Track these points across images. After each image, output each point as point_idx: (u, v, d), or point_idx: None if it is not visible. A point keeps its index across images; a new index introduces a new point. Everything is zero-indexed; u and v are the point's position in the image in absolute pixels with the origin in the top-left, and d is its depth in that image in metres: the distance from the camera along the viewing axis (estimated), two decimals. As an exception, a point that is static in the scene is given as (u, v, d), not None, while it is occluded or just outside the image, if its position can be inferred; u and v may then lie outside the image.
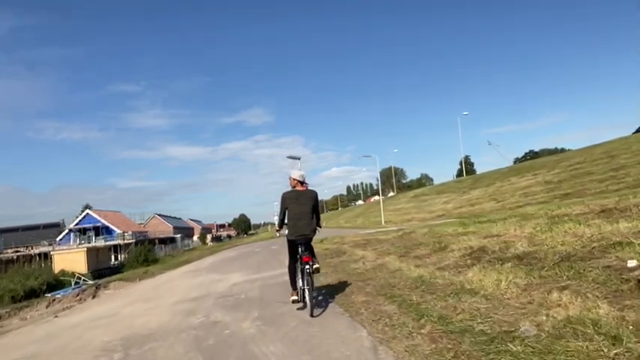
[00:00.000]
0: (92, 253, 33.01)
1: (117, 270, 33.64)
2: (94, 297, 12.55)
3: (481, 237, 7.53)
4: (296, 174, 5.01)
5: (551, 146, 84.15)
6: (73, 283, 19.62)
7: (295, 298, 5.10)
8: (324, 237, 19.22)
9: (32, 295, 20.18)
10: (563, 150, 67.38)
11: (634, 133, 33.30)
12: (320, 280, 7.07)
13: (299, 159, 18.60)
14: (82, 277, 20.94)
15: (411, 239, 10.66)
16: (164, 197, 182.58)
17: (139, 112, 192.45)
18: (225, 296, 7.01)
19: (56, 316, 8.00)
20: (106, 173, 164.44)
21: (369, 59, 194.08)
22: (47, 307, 12.15)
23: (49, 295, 15.74)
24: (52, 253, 34.34)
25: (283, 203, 4.93)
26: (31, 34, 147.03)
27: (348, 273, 7.59)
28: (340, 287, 6.23)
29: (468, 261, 5.95)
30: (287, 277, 5.46)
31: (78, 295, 12.83)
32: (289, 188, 5.04)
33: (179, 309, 6.35)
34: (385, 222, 33.86)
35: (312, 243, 5.09)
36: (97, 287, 14.14)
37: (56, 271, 27.01)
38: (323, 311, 4.75)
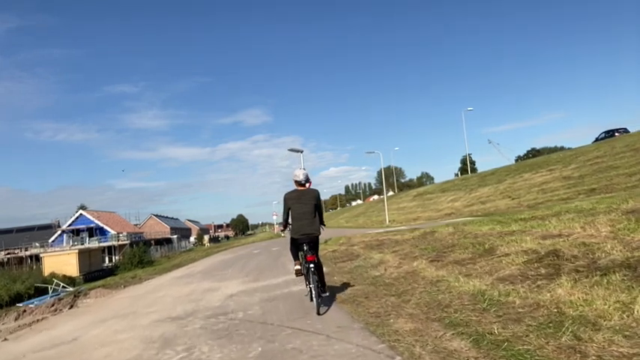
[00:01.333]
0: (84, 255, 31.41)
1: (110, 272, 32.11)
2: (71, 307, 11.01)
3: (538, 237, 6.03)
4: (297, 173, 4.93)
5: (551, 144, 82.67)
6: (50, 290, 17.97)
7: (298, 267, 4.90)
8: (328, 237, 17.77)
9: (18, 299, 18.71)
10: (562, 148, 65.83)
11: (594, 141, 32.65)
12: (334, 292, 5.58)
13: (301, 152, 17.11)
14: (62, 284, 19.25)
15: (436, 240, 9.16)
16: (163, 198, 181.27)
17: (138, 113, 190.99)
18: (217, 315, 5.51)
19: (6, 339, 6.48)
20: (104, 174, 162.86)
21: (367, 59, 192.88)
22: (16, 319, 10.62)
23: (21, 304, 14.19)
24: (42, 255, 32.68)
25: (286, 203, 4.88)
26: (29, 35, 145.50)
27: (370, 283, 6.09)
28: (366, 304, 4.74)
29: (541, 270, 4.45)
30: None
31: (53, 305, 11.28)
32: (289, 188, 5.00)
33: (156, 334, 4.85)
34: (389, 221, 32.43)
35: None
36: (76, 296, 12.60)
37: (46, 274, 25.45)
38: (356, 347, 3.26)
